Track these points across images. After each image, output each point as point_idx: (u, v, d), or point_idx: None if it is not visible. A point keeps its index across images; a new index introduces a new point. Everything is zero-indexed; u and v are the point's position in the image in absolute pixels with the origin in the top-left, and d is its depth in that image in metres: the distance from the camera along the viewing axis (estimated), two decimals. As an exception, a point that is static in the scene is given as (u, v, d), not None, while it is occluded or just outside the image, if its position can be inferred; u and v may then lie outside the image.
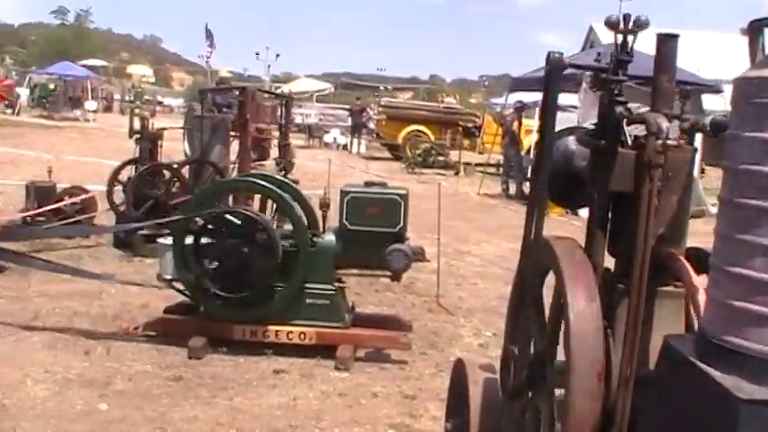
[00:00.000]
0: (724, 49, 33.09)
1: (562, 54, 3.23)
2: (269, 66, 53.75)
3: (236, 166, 10.27)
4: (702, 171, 21.72)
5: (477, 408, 3.78)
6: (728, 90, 14.33)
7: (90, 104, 43.87)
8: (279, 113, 11.28)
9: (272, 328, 7.25)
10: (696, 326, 2.87)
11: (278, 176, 8.43)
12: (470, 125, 32.30)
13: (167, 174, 11.79)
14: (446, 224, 10.14)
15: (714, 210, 16.00)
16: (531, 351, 3.39)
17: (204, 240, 7.23)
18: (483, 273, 11.44)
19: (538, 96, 23.79)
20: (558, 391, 3.03)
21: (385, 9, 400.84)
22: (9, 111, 40.78)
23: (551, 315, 3.18)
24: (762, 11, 2.74)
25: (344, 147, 36.78)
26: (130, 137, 12.27)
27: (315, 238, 7.36)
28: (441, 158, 29.04)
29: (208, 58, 42.15)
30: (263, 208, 8.62)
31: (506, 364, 3.58)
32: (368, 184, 7.62)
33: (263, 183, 7.73)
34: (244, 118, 9.66)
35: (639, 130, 3.10)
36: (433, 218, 9.92)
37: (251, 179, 8.16)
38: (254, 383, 6.60)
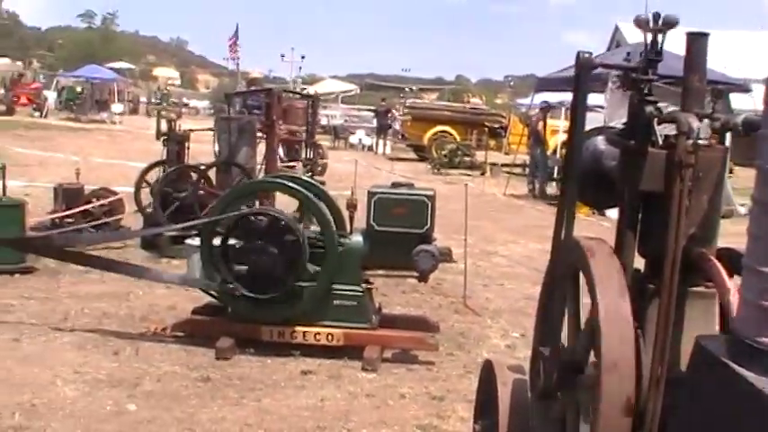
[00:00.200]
0: (749, 48, 32.95)
1: (591, 54, 3.22)
2: (300, 67, 54.09)
3: (263, 167, 10.30)
4: (731, 171, 21.56)
5: (506, 409, 3.77)
6: (758, 89, 14.22)
7: (117, 107, 44.17)
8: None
9: (300, 329, 7.26)
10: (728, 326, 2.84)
11: (305, 177, 8.45)
12: (496, 126, 32.24)
13: (194, 175, 11.83)
14: (473, 225, 10.12)
15: (743, 210, 15.90)
16: (562, 352, 3.38)
17: (232, 241, 7.25)
18: (510, 273, 11.41)
19: (563, 96, 23.86)
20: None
21: (409, 10, 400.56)
22: (37, 114, 41.12)
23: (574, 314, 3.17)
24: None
25: (370, 148, 36.77)
26: (158, 138, 12.35)
27: (342, 239, 7.36)
28: (466, 159, 28.99)
29: (237, 58, 42.48)
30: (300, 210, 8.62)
31: (536, 366, 3.56)
32: (395, 185, 7.62)
33: (289, 184, 7.74)
34: (270, 119, 9.69)
35: (670, 129, 3.07)
36: (460, 218, 9.91)
37: (278, 180, 8.18)
38: (282, 384, 6.62)
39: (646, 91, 3.16)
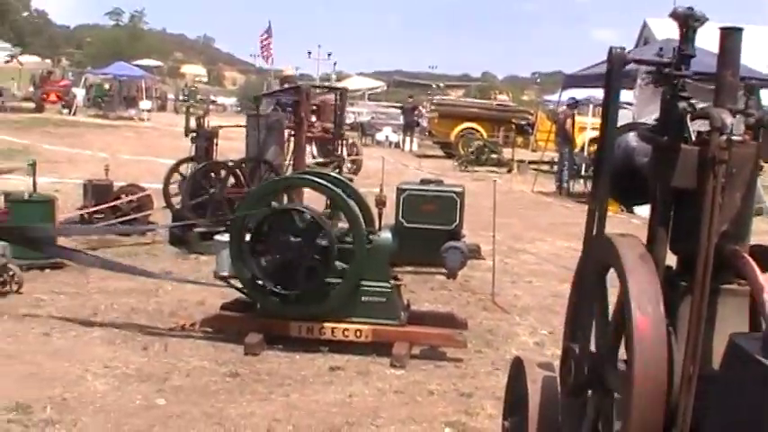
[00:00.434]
0: None
1: (624, 49, 3.20)
2: (334, 63, 54.27)
3: (292, 163, 10.33)
4: (760, 168, 21.38)
5: (536, 406, 3.76)
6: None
7: (144, 104, 44.31)
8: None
9: (328, 325, 7.27)
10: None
11: (333, 174, 8.46)
12: (523, 122, 32.10)
13: (223, 172, 11.87)
14: (501, 222, 10.09)
15: (773, 207, 15.76)
16: (593, 349, 3.36)
17: (261, 237, 7.27)
18: (538, 271, 11.38)
19: (591, 93, 23.75)
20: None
21: (436, 7, 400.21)
22: (66, 111, 41.38)
23: (614, 312, 3.15)
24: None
25: (396, 145, 36.79)
26: (186, 135, 12.39)
27: (371, 236, 7.37)
28: (494, 156, 28.88)
29: (270, 56, 42.78)
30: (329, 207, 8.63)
31: (566, 363, 3.55)
32: (424, 181, 7.61)
33: (318, 180, 7.75)
34: (299, 116, 9.72)
35: (703, 125, 3.05)
36: (488, 215, 9.89)
37: (306, 176, 8.19)
38: (311, 380, 6.63)
39: (679, 87, 3.14)
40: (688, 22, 3.11)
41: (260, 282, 7.27)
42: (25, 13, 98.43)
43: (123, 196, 12.13)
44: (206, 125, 12.48)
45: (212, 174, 11.80)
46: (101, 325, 7.74)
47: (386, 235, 7.41)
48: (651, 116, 3.31)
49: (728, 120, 2.91)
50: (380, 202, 7.63)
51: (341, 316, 7.30)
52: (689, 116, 3.08)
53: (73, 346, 7.13)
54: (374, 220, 7.63)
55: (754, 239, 3.24)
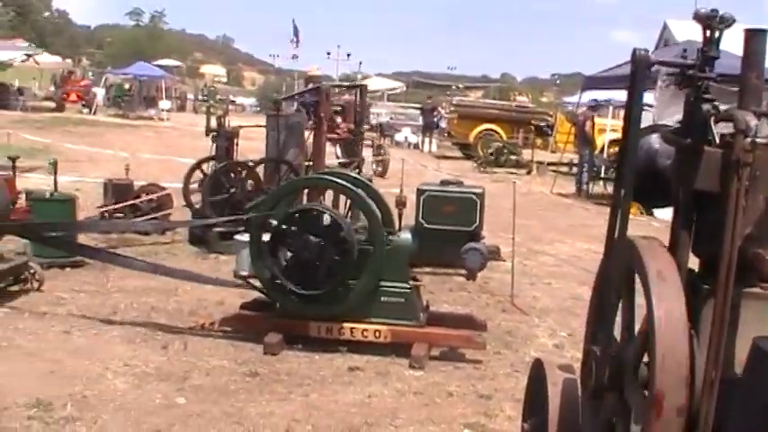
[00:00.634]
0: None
1: (648, 51, 3.18)
2: (360, 62, 54.66)
3: (312, 164, 10.33)
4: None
5: (556, 409, 3.74)
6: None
7: (164, 104, 44.46)
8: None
9: (348, 325, 7.28)
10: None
11: (353, 174, 8.46)
12: (543, 124, 32.02)
13: (243, 172, 11.90)
14: (520, 223, 10.07)
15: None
16: (614, 352, 3.35)
17: (280, 237, 7.28)
18: (557, 272, 11.35)
19: (610, 95, 23.67)
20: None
21: (455, 7, 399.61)
22: (86, 110, 41.57)
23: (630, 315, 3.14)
24: None
25: (416, 146, 36.75)
26: (207, 135, 12.43)
27: (390, 236, 7.37)
28: (513, 157, 28.82)
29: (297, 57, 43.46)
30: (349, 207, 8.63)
31: (587, 366, 3.53)
32: (444, 182, 7.61)
33: (338, 180, 7.76)
34: (318, 116, 9.72)
35: (726, 128, 3.03)
36: (507, 217, 9.88)
37: (326, 177, 8.20)
38: (330, 380, 6.64)
39: (702, 89, 3.12)
40: (711, 24, 3.09)
41: (279, 281, 7.28)
42: (46, 14, 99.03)
43: (143, 195, 12.19)
44: (227, 125, 12.52)
45: (232, 173, 11.84)
46: (121, 323, 7.78)
47: (405, 236, 7.41)
48: (672, 118, 3.29)
49: (753, 122, 2.89)
50: (401, 203, 7.64)
51: (360, 316, 7.31)
52: (713, 118, 3.06)
53: (93, 345, 7.17)
54: (394, 221, 7.63)
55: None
